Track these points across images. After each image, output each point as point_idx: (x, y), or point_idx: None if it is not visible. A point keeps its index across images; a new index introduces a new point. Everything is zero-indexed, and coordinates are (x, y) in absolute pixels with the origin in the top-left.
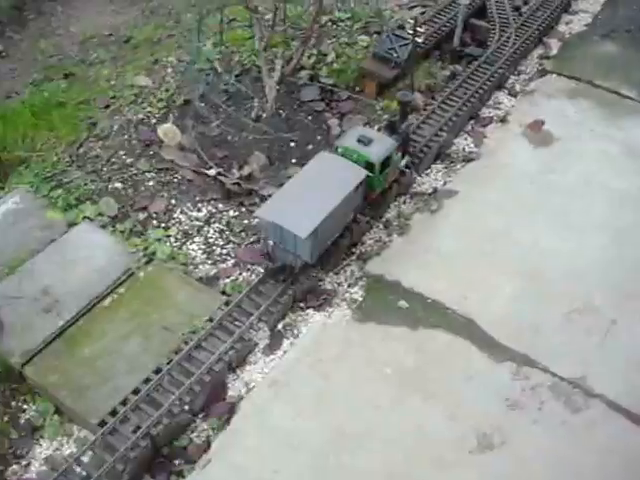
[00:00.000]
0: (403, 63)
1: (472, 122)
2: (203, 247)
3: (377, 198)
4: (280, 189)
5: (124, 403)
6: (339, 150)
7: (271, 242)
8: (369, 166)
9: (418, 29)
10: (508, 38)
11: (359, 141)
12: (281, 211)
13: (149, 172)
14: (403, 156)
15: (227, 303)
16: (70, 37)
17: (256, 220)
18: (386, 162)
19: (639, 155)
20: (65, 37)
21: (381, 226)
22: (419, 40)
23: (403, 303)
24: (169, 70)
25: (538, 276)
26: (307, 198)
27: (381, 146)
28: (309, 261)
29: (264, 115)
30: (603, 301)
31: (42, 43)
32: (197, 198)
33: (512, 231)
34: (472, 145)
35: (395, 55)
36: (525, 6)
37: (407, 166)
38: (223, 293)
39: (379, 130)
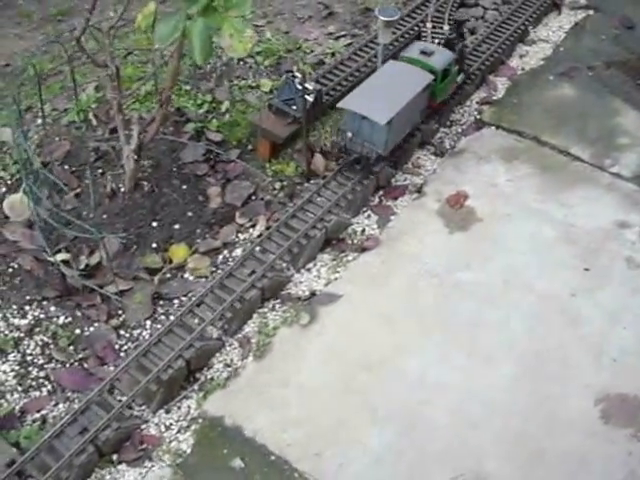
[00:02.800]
0: (302, 116)
1: (381, 193)
2: (17, 368)
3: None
4: (357, 88)
5: None
6: (404, 60)
7: (349, 134)
8: (432, 74)
9: (307, 86)
10: None
11: (422, 53)
12: (361, 103)
13: None
14: (459, 73)
15: (11, 463)
16: None
17: (90, 329)
18: (446, 72)
19: (579, 243)
20: None
21: (235, 344)
22: (309, 99)
23: (238, 463)
24: (39, 121)
25: (418, 425)
26: (382, 94)
27: (442, 57)
28: (382, 152)
29: (122, 189)
30: (498, 466)
31: None
32: (28, 297)
33: (398, 357)
34: (374, 226)
35: (294, 107)
36: (471, 36)
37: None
38: (16, 445)
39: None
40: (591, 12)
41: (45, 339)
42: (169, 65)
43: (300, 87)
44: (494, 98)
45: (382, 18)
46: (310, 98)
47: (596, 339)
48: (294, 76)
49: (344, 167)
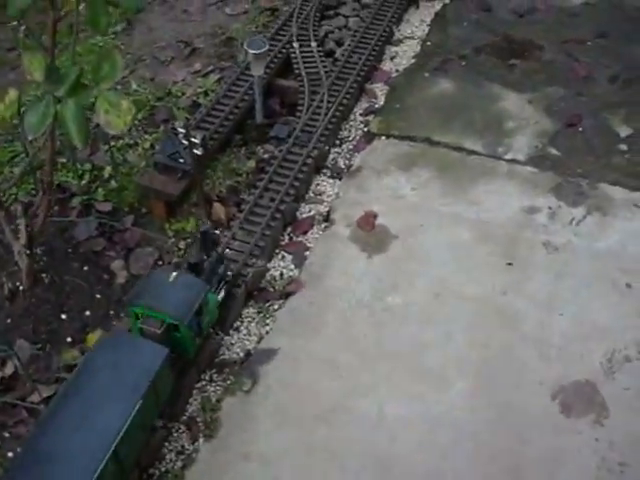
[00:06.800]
0: (192, 170)
1: (289, 230)
2: None
3: None
4: None
5: None
6: None
7: None
8: None
9: (193, 139)
10: (321, 101)
11: None
12: None
13: None
14: None
15: None
16: None
17: None
18: None
19: (495, 238)
20: None
21: (182, 428)
22: (198, 152)
23: None
24: None
25: (390, 467)
26: None
27: None
28: None
29: (21, 287)
30: None
31: None
32: None
33: (351, 400)
34: (292, 267)
35: (180, 161)
36: (339, 48)
37: None
38: None
39: None
40: (447, 0)
41: None
42: (44, 150)
43: (186, 142)
44: (376, 106)
45: (252, 51)
46: (199, 151)
47: (537, 333)
48: (176, 132)
49: None
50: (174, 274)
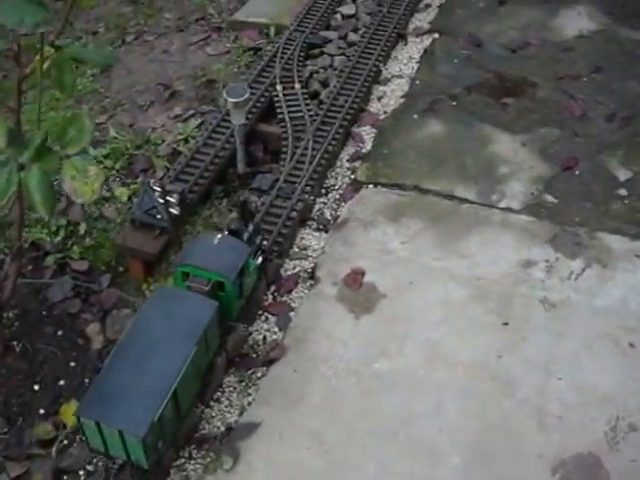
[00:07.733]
0: (170, 226)
1: (273, 289)
2: None
3: None
4: None
5: None
6: None
7: None
8: None
9: (170, 198)
10: (305, 148)
11: None
12: None
13: None
14: None
15: None
16: None
17: None
18: None
19: (490, 295)
20: None
21: None
22: (174, 211)
23: None
24: None
25: None
26: None
27: None
28: None
29: None
30: None
31: None
32: None
33: (337, 479)
34: (275, 329)
35: (158, 217)
36: (325, 89)
37: None
38: None
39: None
40: (436, 35)
41: None
42: (12, 212)
43: (162, 201)
44: (363, 152)
45: (231, 100)
46: (175, 211)
47: (535, 400)
48: (153, 189)
49: None
50: (219, 236)
